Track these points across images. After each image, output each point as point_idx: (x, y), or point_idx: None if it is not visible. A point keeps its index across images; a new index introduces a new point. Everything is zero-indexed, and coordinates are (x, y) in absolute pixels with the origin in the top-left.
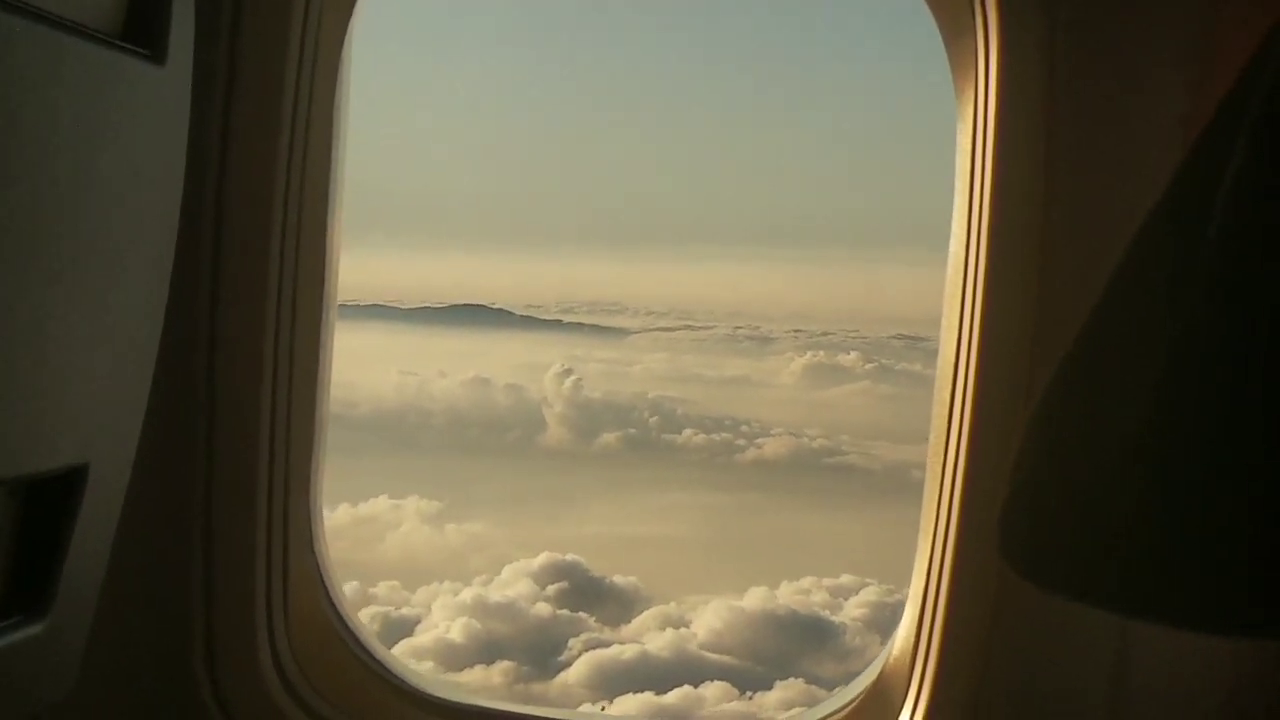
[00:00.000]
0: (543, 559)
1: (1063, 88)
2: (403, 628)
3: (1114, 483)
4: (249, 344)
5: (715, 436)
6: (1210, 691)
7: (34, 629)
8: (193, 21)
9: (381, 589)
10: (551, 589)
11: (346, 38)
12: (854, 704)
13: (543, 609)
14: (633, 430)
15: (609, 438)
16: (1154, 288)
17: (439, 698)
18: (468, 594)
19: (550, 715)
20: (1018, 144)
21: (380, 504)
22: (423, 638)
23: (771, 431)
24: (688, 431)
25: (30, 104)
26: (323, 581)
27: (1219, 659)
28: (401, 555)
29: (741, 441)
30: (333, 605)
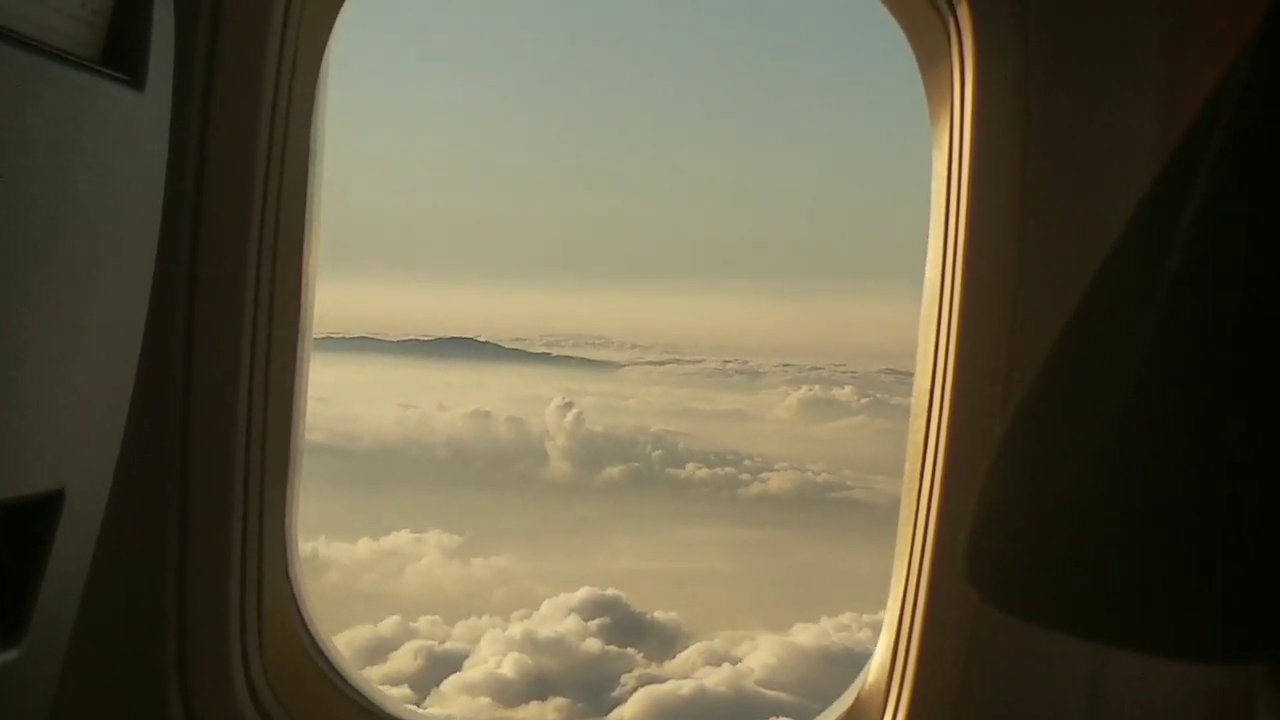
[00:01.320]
0: (583, 594)
1: (1037, 115)
2: (448, 662)
3: (1079, 510)
4: (224, 370)
5: (719, 470)
6: (1185, 715)
7: (8, 655)
8: (172, 47)
9: (422, 624)
10: (593, 624)
11: (323, 63)
12: None
13: (592, 644)
14: (636, 464)
15: (613, 471)
16: (1118, 313)
17: None
18: (516, 629)
19: None
20: (993, 171)
21: (402, 538)
22: (472, 673)
23: (775, 466)
24: (691, 465)
25: (6, 129)
26: (297, 608)
27: (1194, 684)
28: (429, 589)
29: (745, 476)
30: (307, 631)
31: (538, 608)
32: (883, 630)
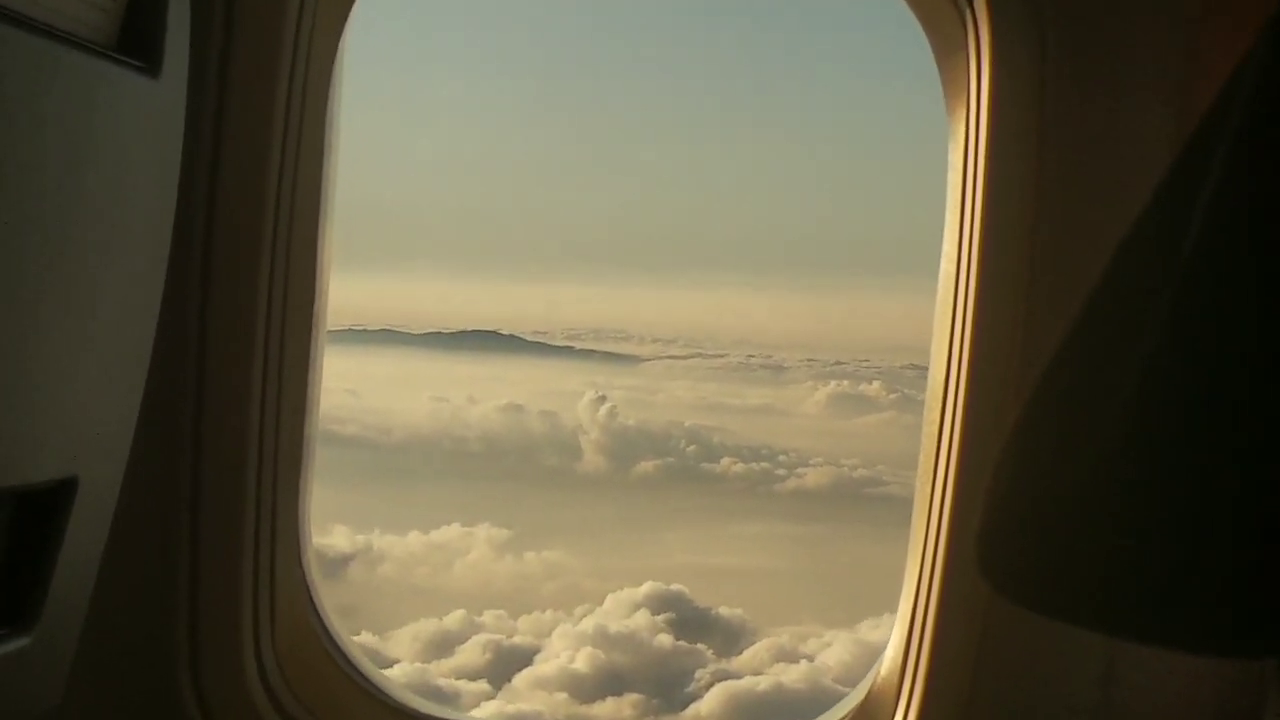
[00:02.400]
0: (647, 589)
1: (1053, 107)
2: (516, 657)
3: (1090, 501)
4: (238, 357)
5: (754, 465)
6: (1197, 709)
7: (22, 641)
8: (188, 35)
9: (487, 618)
10: (659, 619)
11: (339, 53)
12: None
13: (663, 640)
14: (670, 459)
15: (647, 466)
16: (1130, 304)
17: (421, 712)
18: (587, 624)
19: None
20: (1009, 163)
21: (452, 531)
22: (544, 668)
23: (810, 461)
24: (725, 460)
25: (22, 115)
26: (309, 594)
27: (1205, 681)
28: (481, 582)
29: (781, 471)
30: (319, 617)
31: (601, 603)
32: (895, 625)
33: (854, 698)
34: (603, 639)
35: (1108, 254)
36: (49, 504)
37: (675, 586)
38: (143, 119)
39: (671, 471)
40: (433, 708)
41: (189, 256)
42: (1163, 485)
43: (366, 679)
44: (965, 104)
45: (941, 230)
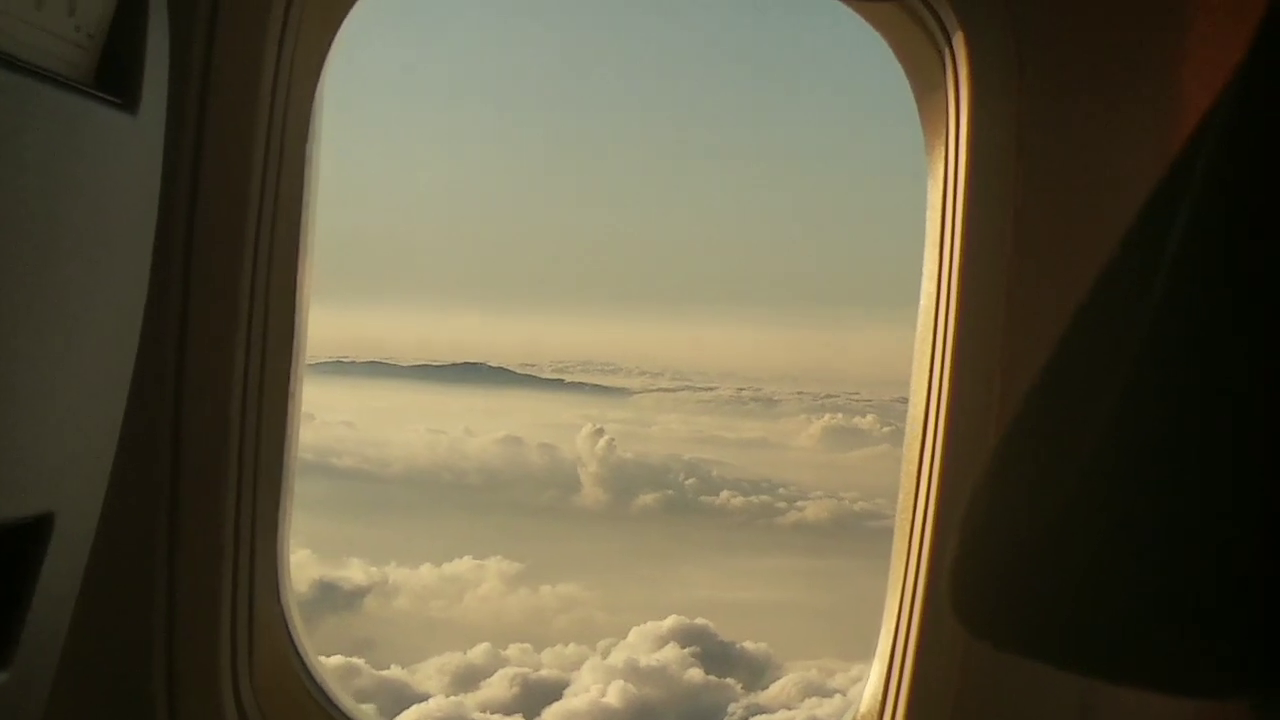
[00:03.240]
0: (670, 622)
1: (1031, 145)
2: (543, 690)
3: (1064, 542)
4: (217, 392)
5: (754, 498)
6: None
7: None
8: (166, 70)
9: (512, 651)
10: (686, 653)
11: (319, 87)
12: None
13: (694, 674)
14: (670, 491)
15: (646, 499)
16: (1105, 340)
17: None
18: (617, 657)
19: None
20: (987, 200)
21: (464, 564)
22: (575, 701)
23: (810, 494)
24: (725, 493)
25: None
26: (288, 629)
27: (1185, 712)
28: (495, 615)
29: (781, 504)
30: (297, 653)
31: (624, 636)
32: (875, 659)
33: None
34: (633, 673)
35: (1085, 287)
36: (25, 540)
37: (699, 620)
38: (121, 155)
39: (671, 504)
40: None
41: (167, 290)
42: (1135, 525)
43: (344, 714)
44: (944, 142)
45: (921, 263)
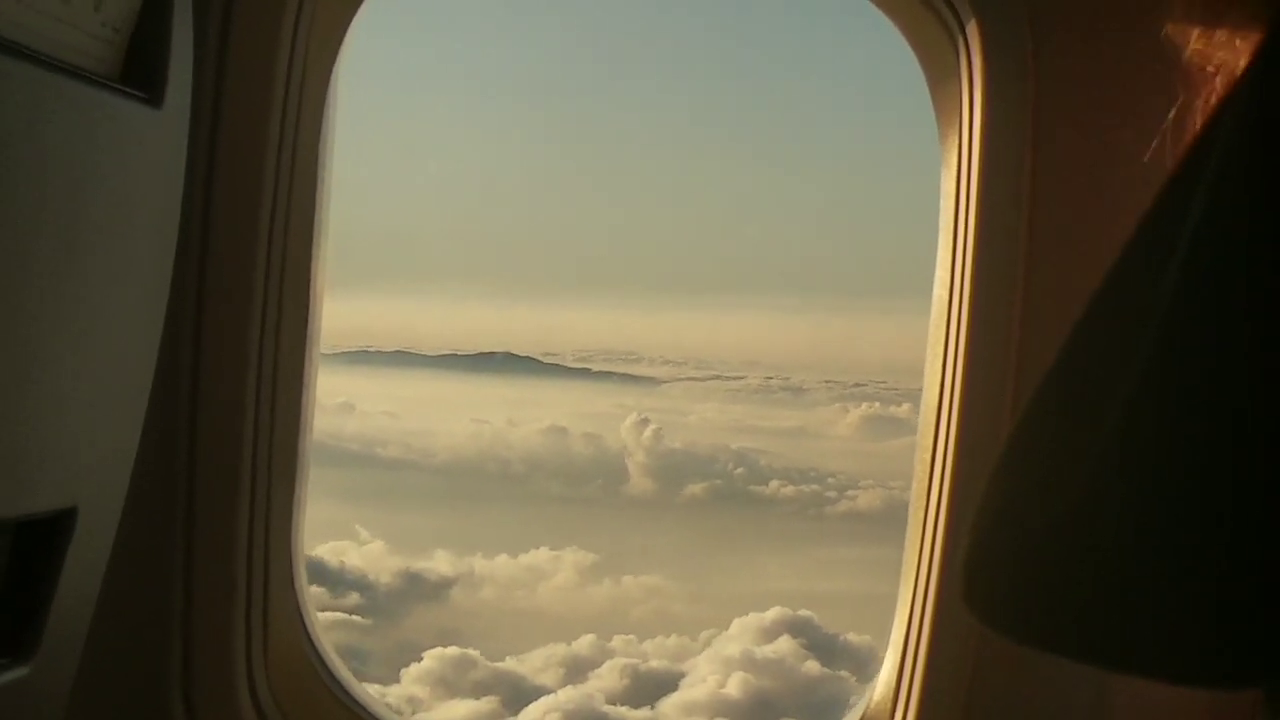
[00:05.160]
0: (774, 614)
1: (1045, 134)
2: (654, 681)
3: (1076, 532)
4: (232, 382)
5: (804, 488)
6: None
7: (20, 671)
8: (191, 64)
9: (617, 642)
10: (797, 644)
11: (333, 78)
12: None
13: (811, 666)
14: (718, 481)
15: (695, 489)
16: (1117, 335)
17: None
18: (734, 648)
19: None
20: (1001, 189)
21: (541, 555)
22: (693, 692)
23: (860, 483)
24: (774, 483)
25: (25, 146)
26: (302, 619)
27: (1198, 705)
28: (577, 606)
29: (831, 493)
30: (311, 643)
31: (716, 628)
32: (889, 648)
33: None
34: (750, 664)
35: (1100, 278)
36: (49, 534)
37: (803, 612)
38: (146, 150)
39: (720, 494)
40: None
41: (184, 282)
42: (1150, 515)
43: (359, 704)
44: (958, 131)
45: (934, 251)
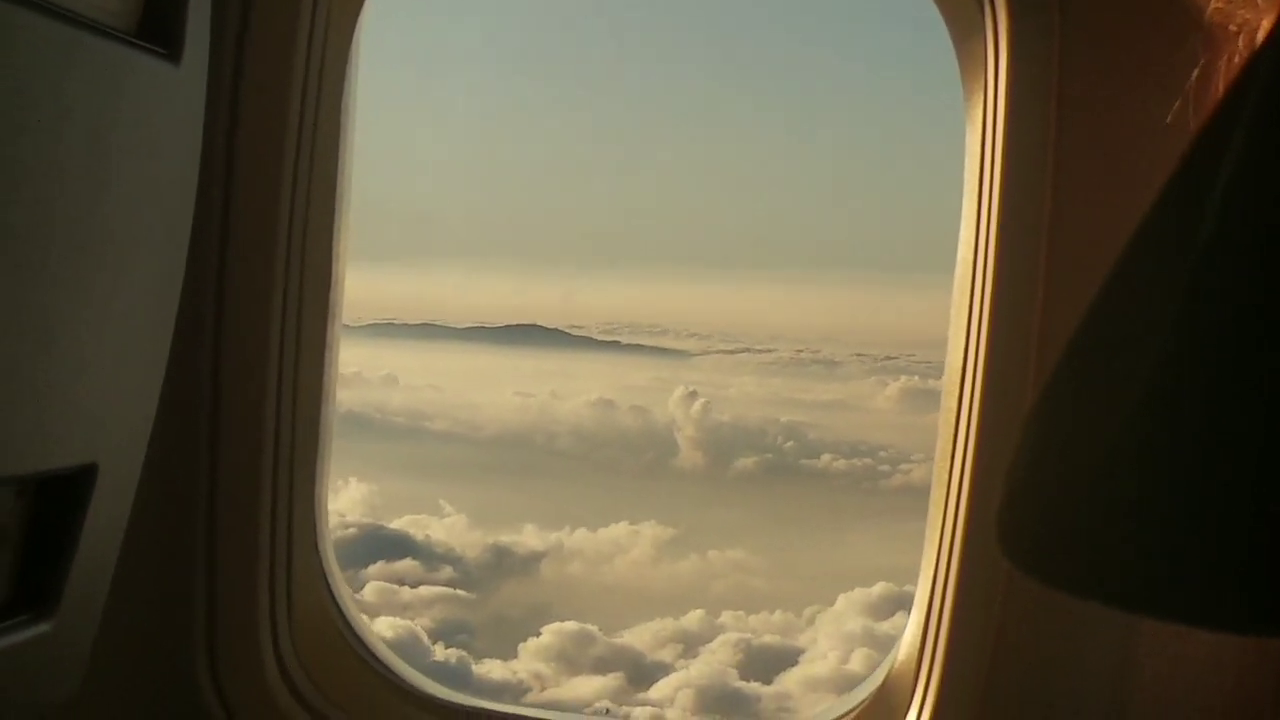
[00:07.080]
0: (879, 589)
1: (1072, 89)
2: (768, 657)
3: (1110, 476)
4: (255, 344)
5: (855, 461)
6: (1215, 694)
7: (42, 628)
8: (209, 21)
9: (726, 618)
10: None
11: (354, 41)
12: (858, 709)
13: None
14: (769, 455)
15: (746, 462)
16: (1148, 285)
17: (442, 699)
18: (855, 624)
19: (547, 716)
20: (1026, 148)
21: (620, 529)
22: (814, 668)
23: (911, 457)
24: (826, 456)
25: (45, 101)
26: (327, 582)
27: (1225, 664)
28: (661, 582)
29: (885, 467)
30: (336, 605)
31: (832, 604)
32: (913, 609)
33: (870, 684)
34: (872, 640)
35: (1125, 237)
36: (69, 491)
37: (909, 587)
38: (164, 106)
39: (771, 468)
40: (451, 694)
41: (204, 244)
42: (1182, 461)
43: (385, 665)
44: (983, 89)
45: (951, 224)
